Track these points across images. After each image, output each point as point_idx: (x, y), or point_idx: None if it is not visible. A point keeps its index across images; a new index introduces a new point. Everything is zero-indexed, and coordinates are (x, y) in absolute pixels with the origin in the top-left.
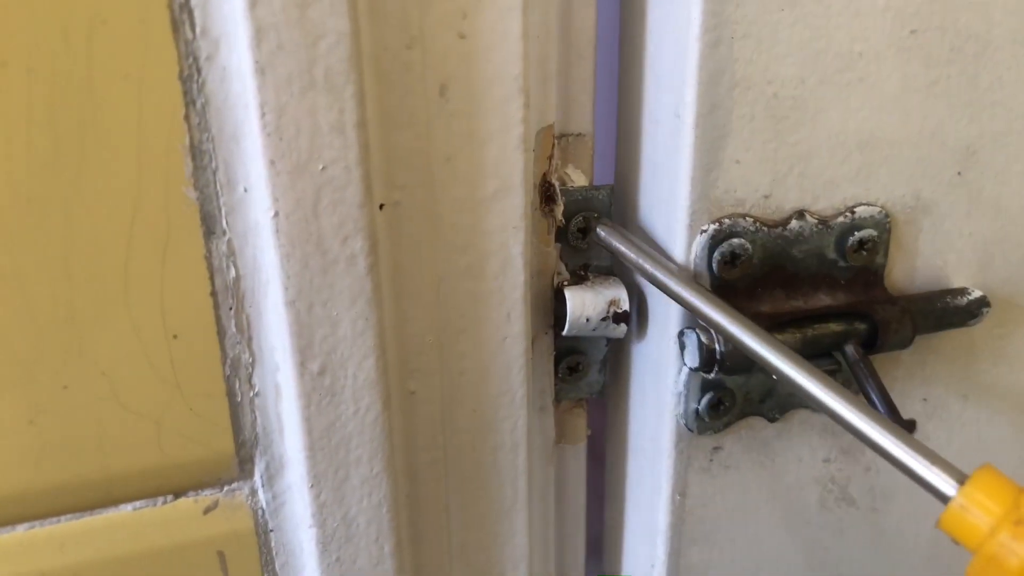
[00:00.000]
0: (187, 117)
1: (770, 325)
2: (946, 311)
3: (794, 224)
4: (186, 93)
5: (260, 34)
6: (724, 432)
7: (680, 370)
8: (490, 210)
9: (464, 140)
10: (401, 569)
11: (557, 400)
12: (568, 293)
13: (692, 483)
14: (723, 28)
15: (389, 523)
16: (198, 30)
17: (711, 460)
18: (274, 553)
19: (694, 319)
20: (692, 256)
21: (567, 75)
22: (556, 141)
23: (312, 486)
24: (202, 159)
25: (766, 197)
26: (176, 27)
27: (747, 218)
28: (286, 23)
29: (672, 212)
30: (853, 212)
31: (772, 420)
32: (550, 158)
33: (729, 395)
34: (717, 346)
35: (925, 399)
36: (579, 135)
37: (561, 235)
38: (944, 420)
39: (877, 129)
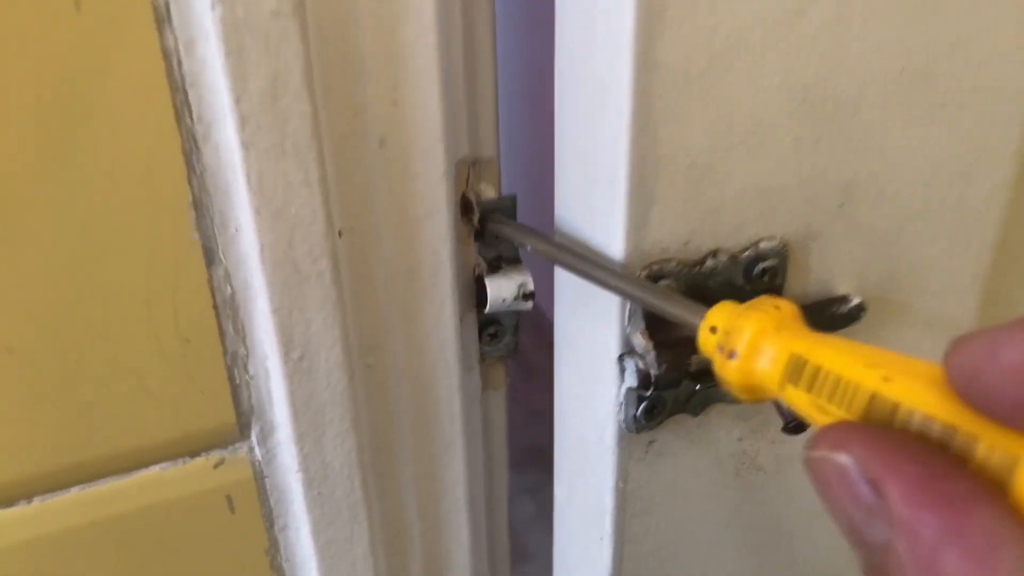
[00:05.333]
0: (190, 181)
1: (693, 346)
2: (832, 318)
3: (709, 262)
4: (188, 164)
5: (243, 121)
6: (657, 428)
7: (620, 385)
8: (423, 227)
9: (400, 177)
10: (367, 497)
11: (482, 359)
12: (487, 281)
13: (632, 471)
14: (649, 117)
15: (357, 463)
16: (195, 117)
17: (647, 451)
18: (269, 493)
19: (630, 344)
20: None
21: (475, 117)
22: (470, 167)
23: (297, 442)
24: (202, 211)
25: (686, 243)
26: (178, 116)
27: (671, 262)
28: (262, 111)
29: (609, 260)
30: (757, 246)
31: (695, 415)
32: (466, 180)
33: (661, 401)
34: (652, 370)
35: None
36: (487, 159)
37: (479, 235)
38: None
39: (774, 179)
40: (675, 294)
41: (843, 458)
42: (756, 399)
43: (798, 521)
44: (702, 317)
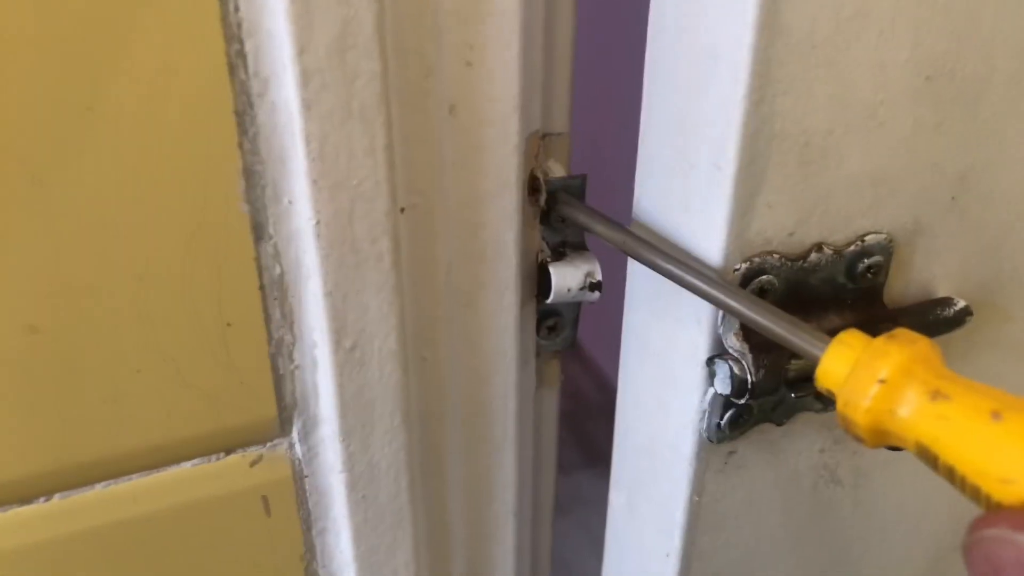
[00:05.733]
0: (241, 145)
1: (792, 350)
2: (936, 322)
3: (813, 256)
4: (240, 125)
5: (306, 76)
6: (739, 438)
7: (706, 391)
8: (489, 205)
9: (469, 149)
10: (413, 501)
11: (538, 353)
12: (552, 269)
13: (708, 484)
14: (767, 88)
15: (405, 464)
16: (251, 71)
17: (726, 463)
18: (308, 494)
19: (722, 346)
20: None
21: (549, 86)
22: (540, 141)
23: (343, 439)
24: (253, 179)
25: (791, 234)
26: (232, 70)
27: (774, 255)
28: (328, 66)
29: (706, 252)
30: (863, 241)
31: (779, 424)
32: (536, 156)
33: (748, 409)
34: (749, 376)
35: None
36: (559, 134)
37: (544, 218)
38: None
39: (889, 166)
40: (788, 316)
41: None
42: (883, 444)
43: (872, 539)
44: (823, 348)
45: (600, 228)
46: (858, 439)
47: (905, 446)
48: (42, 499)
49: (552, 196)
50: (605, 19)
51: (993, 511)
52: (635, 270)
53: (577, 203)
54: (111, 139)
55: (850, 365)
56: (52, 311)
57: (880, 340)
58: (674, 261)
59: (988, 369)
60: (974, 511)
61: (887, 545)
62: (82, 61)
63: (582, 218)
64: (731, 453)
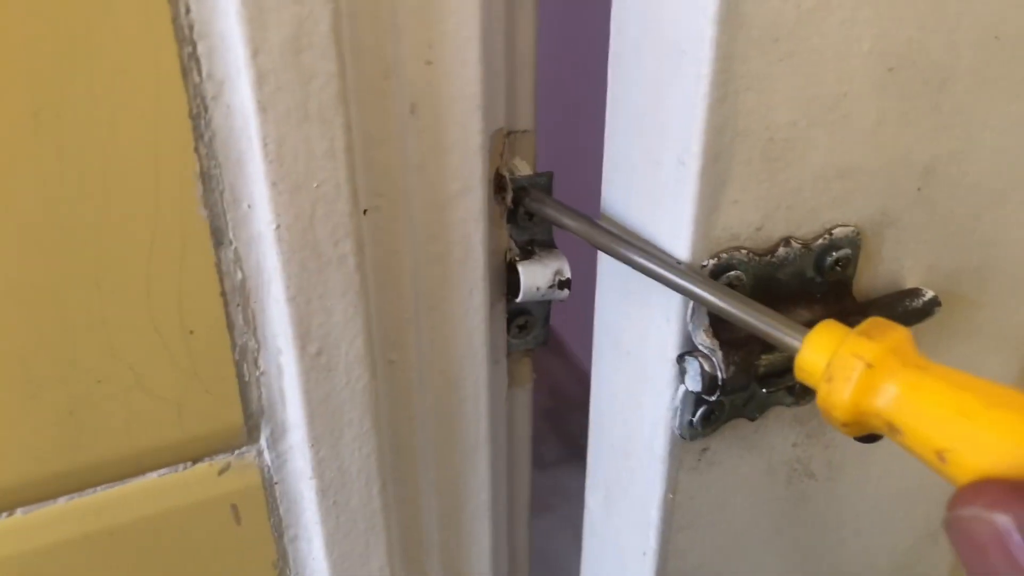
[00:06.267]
0: (197, 149)
1: (762, 345)
2: (906, 313)
3: (781, 251)
4: (195, 128)
5: (261, 78)
6: (712, 435)
7: (677, 388)
8: (455, 206)
9: (432, 150)
10: (386, 506)
11: (509, 352)
12: (521, 268)
13: (683, 481)
14: (729, 84)
15: (376, 469)
16: (204, 74)
17: (699, 460)
18: (278, 502)
19: (692, 343)
20: None
21: (513, 83)
22: (505, 139)
23: (312, 445)
24: (211, 183)
25: (758, 230)
26: (185, 73)
27: (741, 250)
28: (283, 67)
29: (674, 249)
30: (831, 234)
31: (752, 419)
32: (501, 154)
33: (720, 406)
34: (719, 373)
35: None
36: (524, 131)
37: (511, 216)
38: None
39: (855, 159)
40: (763, 307)
41: (1003, 519)
42: (861, 433)
43: (846, 530)
44: (800, 339)
45: (568, 221)
46: (832, 420)
47: (883, 428)
48: (5, 514)
49: (519, 194)
50: (568, 14)
51: (968, 488)
52: (604, 269)
53: (544, 197)
54: (62, 145)
55: (828, 357)
56: (7, 321)
57: (859, 327)
58: (645, 254)
59: (961, 358)
60: (945, 502)
61: (861, 536)
62: (29, 66)
63: (549, 212)
64: (704, 450)
